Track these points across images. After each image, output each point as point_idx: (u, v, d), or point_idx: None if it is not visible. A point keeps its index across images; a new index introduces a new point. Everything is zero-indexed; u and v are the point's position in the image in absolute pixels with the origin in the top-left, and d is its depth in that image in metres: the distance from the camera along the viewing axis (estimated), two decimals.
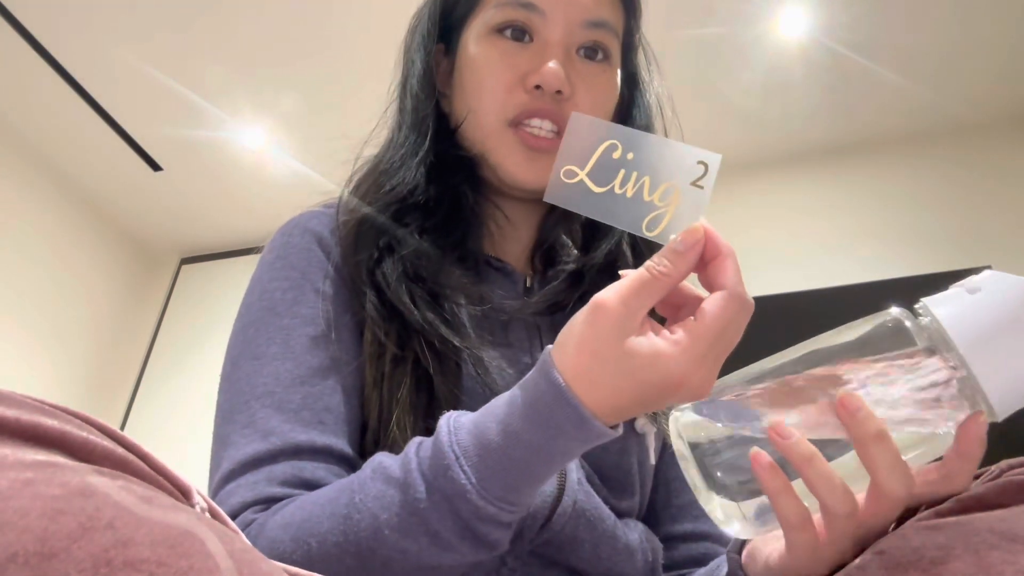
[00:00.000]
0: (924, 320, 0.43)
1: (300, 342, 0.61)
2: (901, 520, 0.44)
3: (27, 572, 0.22)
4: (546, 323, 0.71)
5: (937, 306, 0.42)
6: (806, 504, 0.43)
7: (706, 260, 0.45)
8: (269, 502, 0.54)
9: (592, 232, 0.76)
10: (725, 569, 0.56)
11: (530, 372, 0.46)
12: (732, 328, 0.43)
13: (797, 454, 0.41)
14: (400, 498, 0.47)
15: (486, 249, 0.73)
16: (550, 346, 0.46)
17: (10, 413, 0.27)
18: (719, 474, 0.45)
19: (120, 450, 0.29)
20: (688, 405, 0.47)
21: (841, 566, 0.44)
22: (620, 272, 0.45)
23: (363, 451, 0.61)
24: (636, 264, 0.45)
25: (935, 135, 2.86)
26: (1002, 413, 0.41)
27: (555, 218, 0.76)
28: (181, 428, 2.92)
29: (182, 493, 0.32)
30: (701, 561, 0.69)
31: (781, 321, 1.51)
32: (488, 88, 0.69)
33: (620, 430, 0.46)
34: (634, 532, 0.65)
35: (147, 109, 2.96)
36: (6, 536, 0.22)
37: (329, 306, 0.64)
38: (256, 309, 0.64)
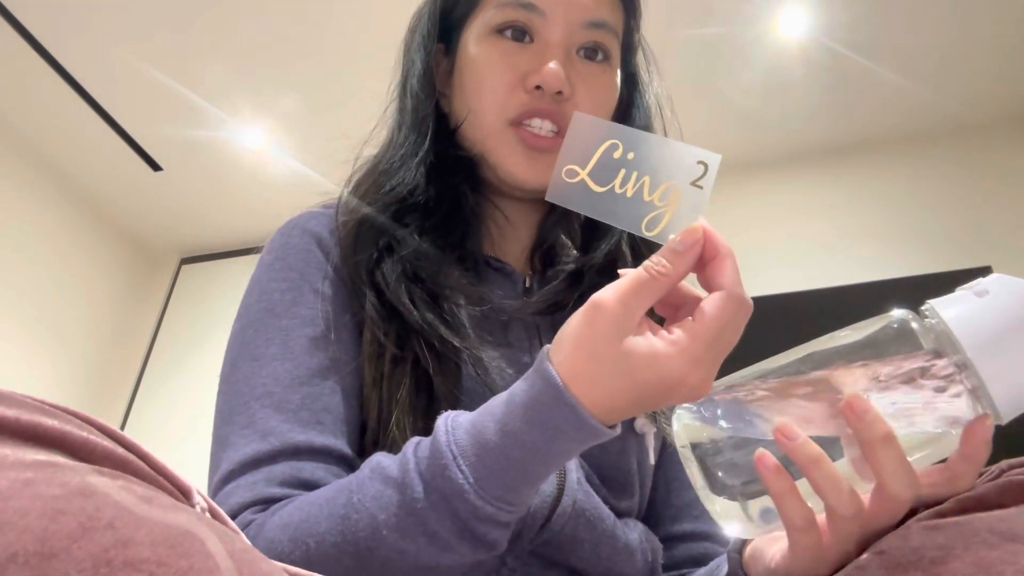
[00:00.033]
0: (931, 322, 0.43)
1: (299, 343, 0.61)
2: (902, 520, 0.44)
3: (27, 572, 0.22)
4: (546, 323, 0.71)
5: (944, 308, 0.42)
6: (810, 505, 0.43)
7: (705, 260, 0.45)
8: (268, 503, 0.54)
9: (592, 232, 0.76)
10: (725, 569, 0.56)
11: (528, 371, 0.46)
12: (730, 328, 0.43)
13: (803, 455, 0.41)
14: (398, 498, 0.47)
15: (485, 249, 0.73)
16: (547, 346, 0.46)
17: (10, 413, 0.27)
18: (720, 474, 0.45)
19: (120, 450, 0.29)
20: (691, 405, 0.47)
21: (843, 566, 0.44)
22: (619, 272, 0.45)
23: (362, 451, 0.61)
24: (635, 264, 0.45)
25: (935, 135, 2.87)
26: (1007, 416, 0.41)
27: (554, 218, 0.76)
28: (181, 428, 2.91)
29: (182, 493, 0.32)
30: (701, 561, 0.69)
31: (781, 321, 1.51)
32: (488, 88, 0.69)
33: (618, 430, 0.46)
34: (634, 532, 0.65)
35: (147, 109, 2.97)
36: (6, 536, 0.22)
37: (328, 307, 0.64)
38: (255, 310, 0.64)
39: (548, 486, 0.59)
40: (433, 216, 0.69)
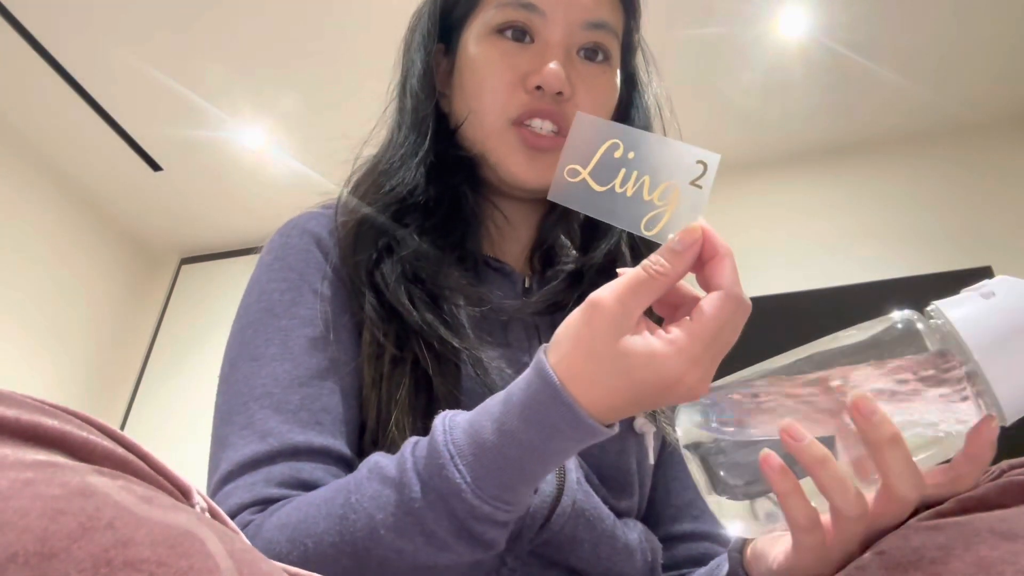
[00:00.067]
0: (936, 323, 0.42)
1: (298, 343, 0.61)
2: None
3: (27, 572, 0.22)
4: (545, 323, 0.71)
5: (950, 309, 0.42)
6: (814, 504, 0.43)
7: (704, 260, 0.45)
8: (266, 503, 0.54)
9: (591, 232, 0.76)
10: (726, 568, 0.56)
11: (525, 371, 0.46)
12: (728, 328, 0.43)
13: (810, 456, 0.41)
14: (396, 498, 0.47)
15: (485, 249, 0.73)
16: (545, 344, 0.46)
17: (10, 413, 0.27)
18: (722, 473, 0.45)
19: (120, 450, 0.29)
20: (694, 404, 0.47)
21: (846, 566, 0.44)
22: (617, 271, 0.45)
23: (361, 451, 0.61)
24: (635, 264, 0.45)
25: (935, 135, 2.87)
26: (1011, 417, 0.41)
27: (554, 218, 0.76)
28: (181, 428, 2.91)
29: (182, 493, 0.32)
30: (700, 561, 0.69)
31: (781, 321, 1.51)
32: (489, 88, 0.69)
33: (616, 429, 0.46)
34: (633, 532, 0.65)
35: (147, 109, 2.97)
36: (6, 536, 0.22)
37: (327, 307, 0.64)
38: (254, 310, 0.64)
39: (548, 486, 0.59)
40: (433, 216, 0.69)
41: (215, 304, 3.39)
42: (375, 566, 0.47)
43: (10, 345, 3.03)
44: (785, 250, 2.83)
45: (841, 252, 2.76)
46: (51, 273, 3.25)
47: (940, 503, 0.42)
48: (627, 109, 0.79)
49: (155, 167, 3.24)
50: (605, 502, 0.64)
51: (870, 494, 0.42)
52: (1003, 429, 0.42)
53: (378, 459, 0.50)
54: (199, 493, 0.33)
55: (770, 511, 0.44)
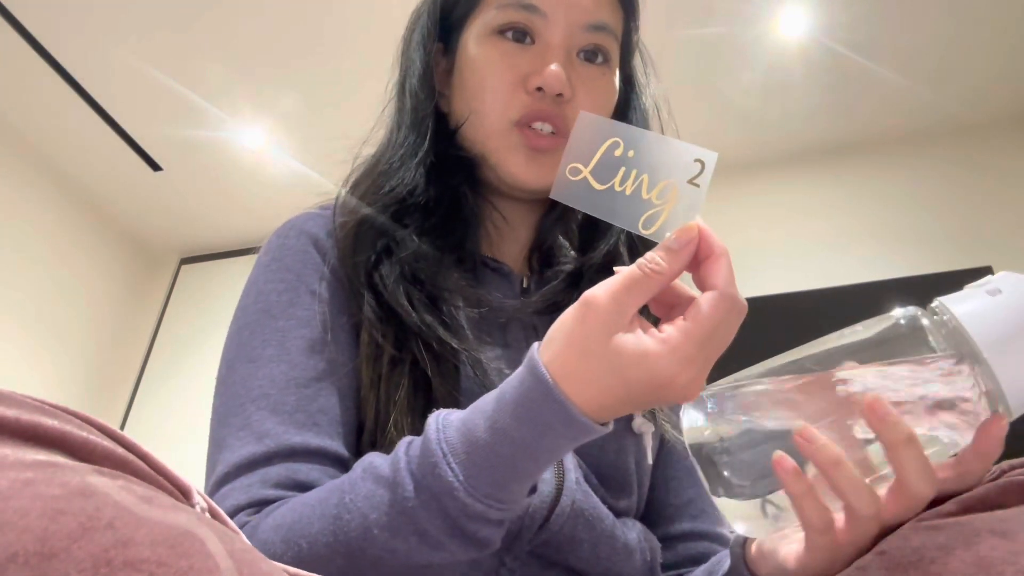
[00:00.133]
0: (942, 319, 0.42)
1: (296, 344, 0.61)
2: None
3: (27, 572, 0.22)
4: (544, 323, 0.71)
5: (955, 305, 0.42)
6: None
7: (700, 259, 0.45)
8: (262, 504, 0.54)
9: (591, 232, 0.76)
10: (727, 564, 0.56)
11: (518, 368, 0.46)
12: (723, 329, 0.43)
13: (825, 458, 0.41)
14: (389, 497, 0.47)
15: (483, 250, 0.73)
16: (537, 343, 0.46)
17: (10, 413, 0.27)
18: (727, 473, 0.44)
19: (120, 450, 0.29)
20: (697, 403, 0.47)
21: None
22: (615, 269, 0.45)
23: (359, 452, 0.61)
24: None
25: (935, 135, 2.87)
26: (1016, 412, 0.41)
27: (553, 219, 0.76)
28: (181, 428, 2.91)
29: (182, 493, 0.32)
30: (699, 560, 0.69)
31: (780, 321, 1.51)
32: (490, 89, 0.69)
33: (610, 427, 0.46)
34: (632, 531, 0.65)
35: (147, 109, 2.97)
36: (6, 536, 0.22)
37: (325, 308, 0.64)
38: (252, 311, 0.64)
39: (546, 486, 0.59)
40: (432, 217, 0.69)
41: (215, 304, 3.39)
42: (369, 566, 0.47)
43: (10, 345, 3.03)
44: (784, 250, 2.83)
45: (841, 252, 2.76)
46: (51, 273, 3.25)
47: (945, 499, 0.42)
48: (625, 111, 0.79)
49: (155, 167, 3.24)
50: (604, 502, 0.64)
51: (880, 491, 0.42)
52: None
53: (372, 459, 0.50)
54: (199, 493, 0.33)
55: (775, 511, 0.44)
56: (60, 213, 3.32)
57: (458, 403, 0.61)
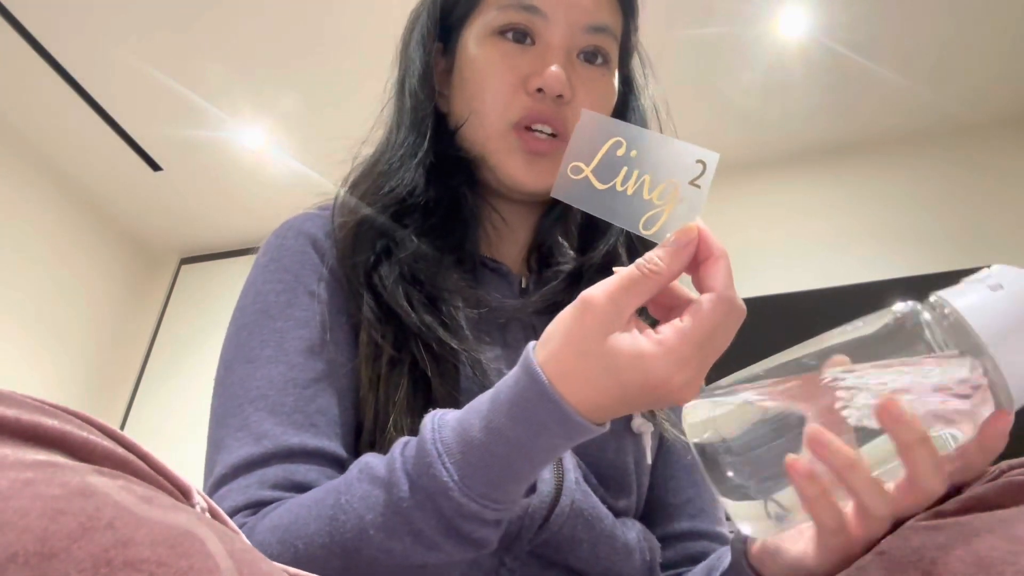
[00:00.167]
0: (941, 313, 0.42)
1: (294, 345, 0.61)
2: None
3: (27, 572, 0.22)
4: (543, 323, 0.70)
5: (956, 299, 0.41)
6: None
7: (699, 261, 0.44)
8: (260, 505, 0.54)
9: (590, 233, 0.76)
10: (728, 560, 0.56)
11: (514, 368, 0.46)
12: (720, 331, 0.42)
13: (839, 461, 0.40)
14: (384, 497, 0.47)
15: (482, 250, 0.73)
16: (533, 342, 0.46)
17: (10, 413, 0.27)
18: (731, 473, 0.44)
19: (120, 450, 0.29)
20: (699, 403, 0.46)
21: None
22: (614, 269, 0.45)
23: (357, 453, 0.61)
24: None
25: (935, 135, 2.86)
26: (1019, 404, 0.41)
27: (552, 219, 0.76)
28: (181, 428, 2.91)
29: (182, 493, 0.32)
30: (698, 559, 0.69)
31: (780, 321, 1.52)
32: (490, 90, 0.69)
33: (607, 427, 0.46)
34: (632, 531, 0.65)
35: (147, 109, 2.96)
36: (6, 536, 0.22)
37: (323, 308, 0.64)
38: (250, 312, 0.64)
39: (546, 486, 0.58)
40: (432, 217, 0.69)
41: (215, 304, 3.39)
42: (365, 566, 0.47)
43: (10, 345, 3.03)
44: (784, 250, 2.83)
45: (841, 252, 2.76)
46: (51, 273, 3.25)
47: (940, 502, 0.42)
48: (623, 112, 0.79)
49: (155, 167, 3.24)
50: (603, 502, 0.64)
51: (887, 487, 0.42)
52: None
53: (369, 460, 0.50)
54: (199, 493, 0.33)
55: (780, 511, 0.44)
56: (60, 213, 3.32)
57: (458, 403, 0.60)
